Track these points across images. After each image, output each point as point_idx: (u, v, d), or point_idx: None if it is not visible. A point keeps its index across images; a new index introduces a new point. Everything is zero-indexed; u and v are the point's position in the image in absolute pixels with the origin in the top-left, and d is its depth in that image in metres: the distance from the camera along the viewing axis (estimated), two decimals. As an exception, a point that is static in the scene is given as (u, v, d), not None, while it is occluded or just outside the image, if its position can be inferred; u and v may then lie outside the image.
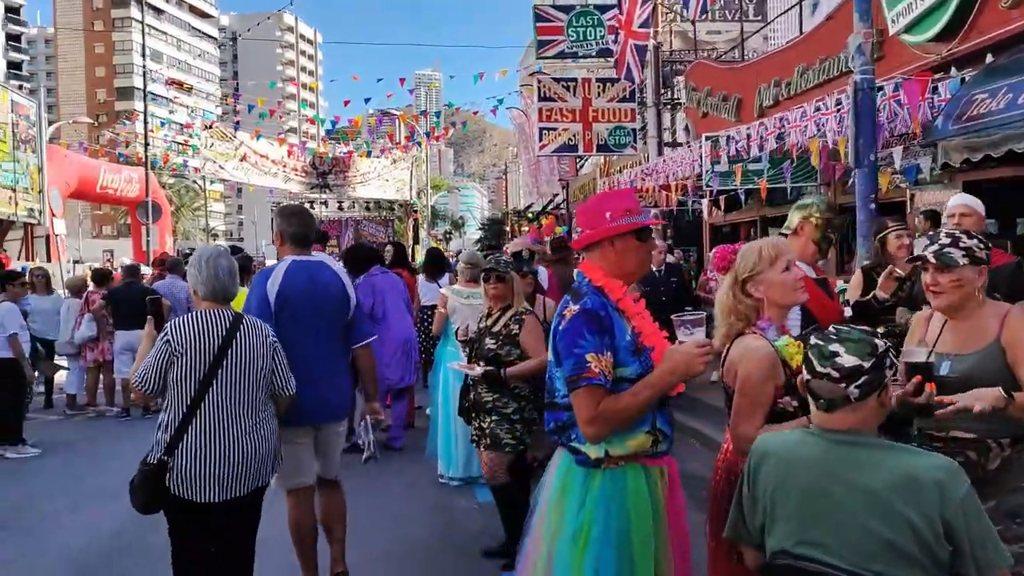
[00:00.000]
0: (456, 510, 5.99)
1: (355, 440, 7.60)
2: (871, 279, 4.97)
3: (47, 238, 26.44)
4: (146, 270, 15.51)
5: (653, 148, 17.23)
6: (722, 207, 11.64)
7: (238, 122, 29.01)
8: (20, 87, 40.91)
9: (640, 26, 14.96)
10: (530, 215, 34.20)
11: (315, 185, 28.18)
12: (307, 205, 26.88)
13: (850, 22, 7.07)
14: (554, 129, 17.35)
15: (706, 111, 14.78)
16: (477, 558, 4.99)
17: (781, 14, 16.57)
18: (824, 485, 2.09)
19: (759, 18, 22.67)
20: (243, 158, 26.67)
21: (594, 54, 17.30)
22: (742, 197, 11.13)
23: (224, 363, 3.38)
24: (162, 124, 29.78)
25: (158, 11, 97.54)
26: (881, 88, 7.38)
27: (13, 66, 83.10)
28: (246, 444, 3.40)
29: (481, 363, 4.80)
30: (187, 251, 8.83)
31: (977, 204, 4.57)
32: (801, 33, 12.89)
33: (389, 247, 9.80)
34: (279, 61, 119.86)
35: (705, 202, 12.49)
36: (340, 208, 28.00)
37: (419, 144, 31.22)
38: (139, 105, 28.63)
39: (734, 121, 12.88)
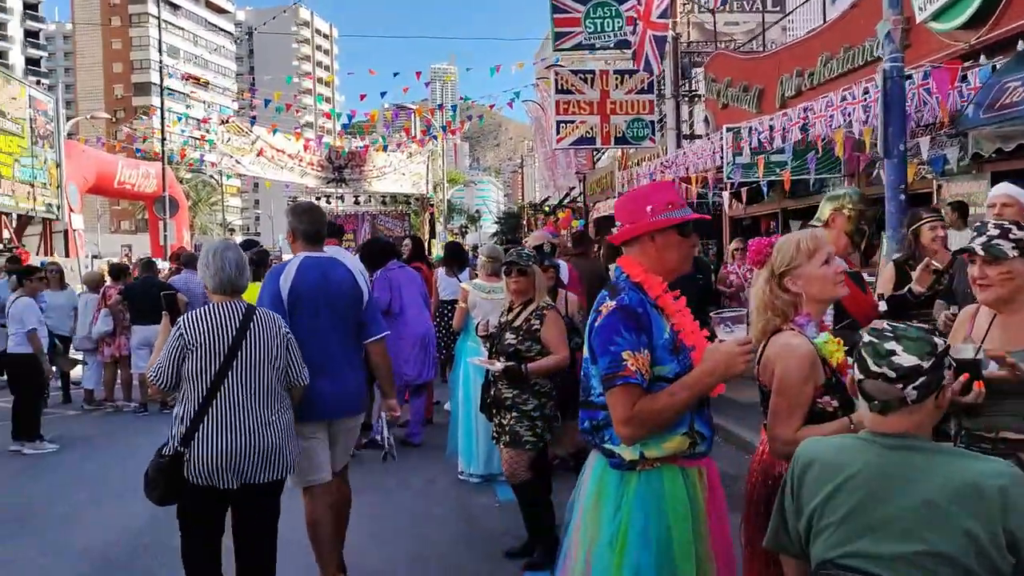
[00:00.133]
0: (476, 508, 5.89)
1: (373, 436, 7.53)
2: (903, 272, 4.83)
3: (65, 233, 26.58)
4: (165, 265, 15.53)
5: (672, 140, 17.03)
6: (743, 200, 11.45)
7: (254, 117, 28.95)
8: (38, 82, 41.13)
9: (659, 17, 14.74)
10: (547, 209, 34.05)
11: (331, 179, 28.13)
12: (323, 199, 26.95)
13: (875, 10, 6.90)
14: (571, 122, 17.14)
15: (726, 102, 14.59)
16: (499, 558, 4.88)
17: (803, 3, 16.32)
18: (876, 493, 1.96)
19: (777, 8, 22.42)
20: (259, 153, 26.63)
21: (612, 46, 17.04)
22: (764, 189, 10.95)
23: (238, 355, 3.40)
24: (179, 119, 29.84)
25: (175, 6, 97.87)
26: (910, 76, 7.20)
27: (31, 62, 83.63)
28: (262, 434, 3.42)
29: (501, 359, 4.70)
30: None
31: (1020, 194, 4.41)
32: (825, 21, 12.67)
33: (407, 241, 9.71)
34: (295, 56, 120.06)
35: (726, 195, 12.29)
36: (356, 202, 27.97)
37: (435, 138, 31.11)
38: (156, 101, 28.72)
39: (755, 112, 12.69)
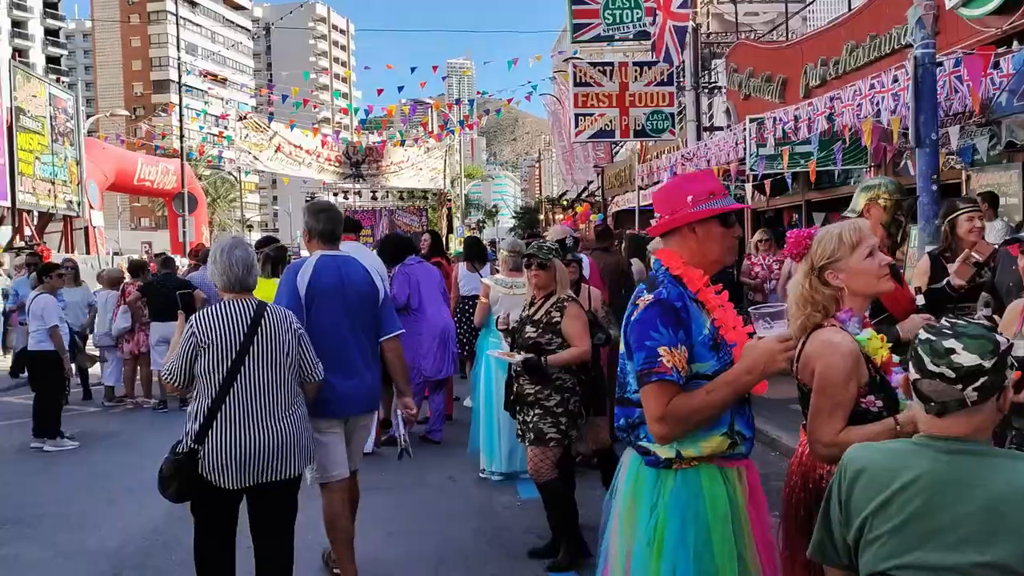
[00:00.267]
0: (498, 507, 5.79)
1: (391, 433, 7.45)
2: (939, 265, 4.67)
3: (86, 230, 26.76)
4: (184, 262, 15.54)
5: (692, 133, 16.84)
6: (767, 191, 11.28)
7: (272, 113, 29.02)
8: (57, 80, 41.42)
9: (679, 7, 14.58)
10: (564, 203, 33.93)
11: (348, 175, 28.15)
12: (340, 195, 26.95)
13: (901, -3, 6.71)
14: (590, 115, 17.01)
15: (748, 93, 14.39)
16: (522, 558, 4.79)
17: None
18: (932, 501, 1.84)
19: (799, -3, 22.09)
20: (277, 148, 26.69)
21: (631, 37, 16.90)
22: (789, 181, 10.77)
23: (250, 351, 3.42)
24: (197, 116, 29.94)
25: (193, 3, 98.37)
26: (940, 64, 7.01)
27: (52, 61, 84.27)
28: (276, 431, 3.42)
29: (521, 352, 4.60)
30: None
31: None
32: (850, 10, 12.45)
33: (426, 236, 9.63)
34: (312, 52, 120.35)
35: (748, 187, 12.12)
36: (374, 198, 27.96)
37: (452, 132, 31.03)
38: (175, 98, 28.82)
39: (778, 102, 12.50)
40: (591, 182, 28.56)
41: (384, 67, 32.24)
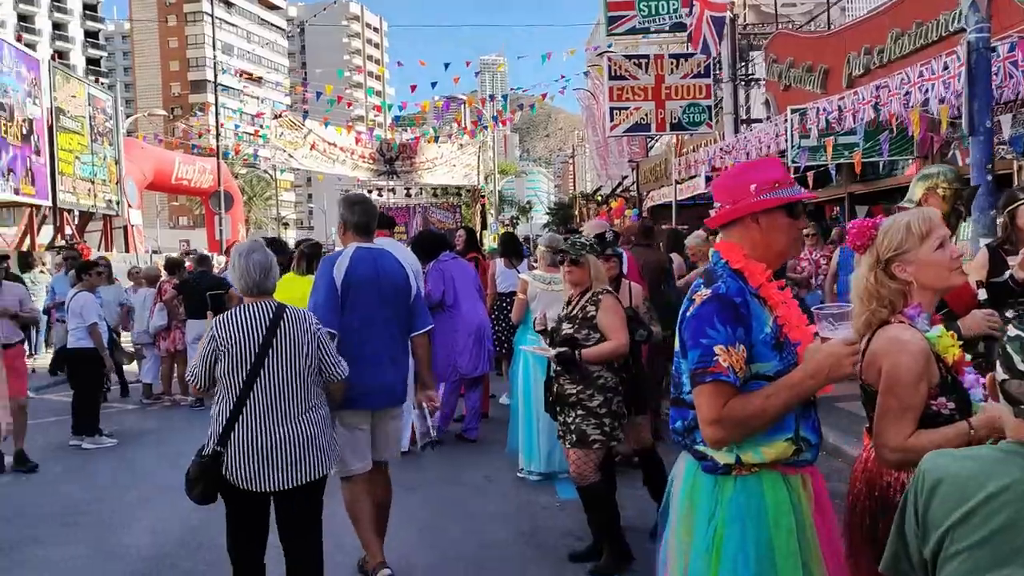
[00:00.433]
0: (537, 507, 5.66)
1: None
2: (998, 257, 4.44)
3: (125, 229, 27.08)
4: (221, 260, 15.61)
5: (729, 126, 16.57)
6: (809, 184, 11.01)
7: (306, 111, 29.14)
8: (96, 81, 42.03)
9: (717, -4, 14.31)
10: (599, 198, 33.67)
11: (382, 172, 28.19)
12: (374, 192, 26.98)
13: (948, -19, 6.46)
14: (625, 108, 16.79)
15: (788, 83, 14.10)
16: (562, 561, 4.66)
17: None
18: (1021, 514, 1.67)
19: (839, -13, 21.66)
20: (312, 146, 26.81)
21: (667, 29, 16.65)
22: (832, 173, 10.49)
23: (269, 354, 3.44)
24: (233, 114, 30.19)
25: (229, 4, 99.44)
26: (994, 49, 6.74)
27: (92, 62, 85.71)
28: (297, 434, 3.45)
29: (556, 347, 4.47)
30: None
31: None
32: (893, -3, 12.11)
33: (461, 232, 9.53)
34: (346, 50, 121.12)
35: (789, 179, 11.86)
36: (408, 194, 27.97)
37: (486, 128, 30.93)
38: (212, 97, 29.07)
39: (820, 93, 12.22)
40: (625, 177, 28.30)
41: (417, 64, 32.18)
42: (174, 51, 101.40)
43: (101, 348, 8.13)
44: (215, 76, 29.32)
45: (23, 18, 77.50)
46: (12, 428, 4.72)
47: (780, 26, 18.58)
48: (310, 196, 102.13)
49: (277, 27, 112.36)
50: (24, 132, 20.79)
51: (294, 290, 5.68)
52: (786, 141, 9.83)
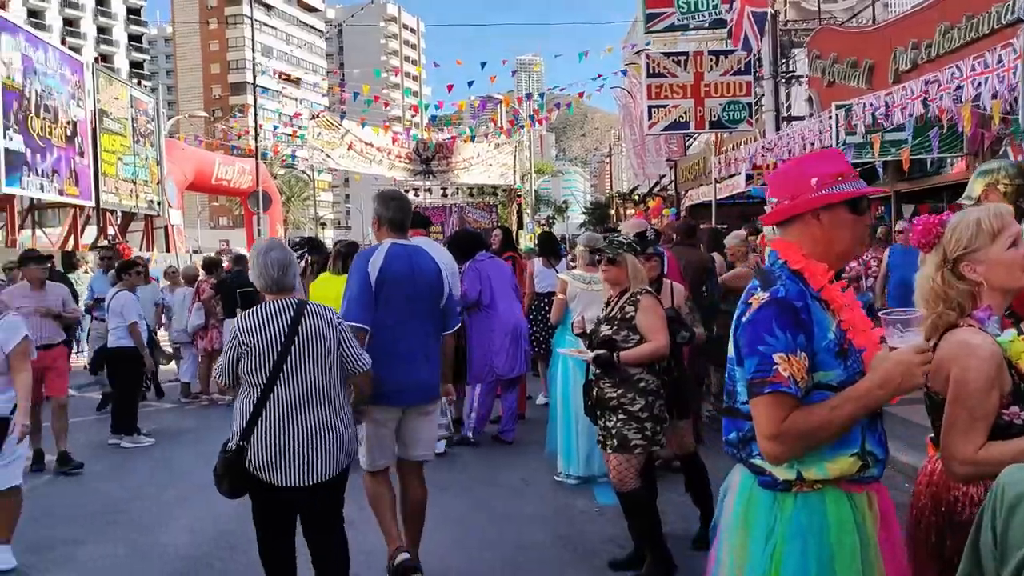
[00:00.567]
0: (575, 511, 5.55)
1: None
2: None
3: (165, 229, 27.45)
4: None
5: (770, 123, 16.26)
6: (854, 182, 10.75)
7: (343, 111, 29.29)
8: (139, 83, 42.69)
9: (758, -8, 14.07)
10: (636, 198, 33.40)
11: (419, 172, 28.21)
12: (411, 192, 27.02)
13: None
14: (664, 106, 16.60)
15: (832, 79, 13.79)
16: (601, 568, 4.54)
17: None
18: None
19: (883, -19, 21.19)
20: (349, 146, 26.91)
21: (706, 25, 16.46)
22: (879, 170, 10.22)
23: (292, 351, 3.45)
24: (271, 115, 30.45)
25: (268, 7, 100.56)
26: (1052, 40, 6.48)
27: (135, 65, 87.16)
28: (321, 429, 3.46)
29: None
30: (296, 240, 8.79)
31: None
32: (940, -10, 11.78)
33: (497, 231, 9.45)
34: (383, 51, 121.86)
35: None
36: (444, 194, 27.94)
37: (522, 127, 30.83)
38: (251, 99, 29.36)
39: (866, 88, 11.91)
40: (663, 176, 28.01)
41: (453, 64, 32.26)
42: (215, 54, 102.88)
43: (141, 347, 8.18)
44: (254, 78, 29.60)
45: (68, 22, 79.10)
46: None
47: (823, 23, 18.22)
48: (347, 196, 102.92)
49: (315, 29, 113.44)
50: (68, 134, 21.16)
51: (329, 289, 5.63)
52: (831, 138, 9.57)
